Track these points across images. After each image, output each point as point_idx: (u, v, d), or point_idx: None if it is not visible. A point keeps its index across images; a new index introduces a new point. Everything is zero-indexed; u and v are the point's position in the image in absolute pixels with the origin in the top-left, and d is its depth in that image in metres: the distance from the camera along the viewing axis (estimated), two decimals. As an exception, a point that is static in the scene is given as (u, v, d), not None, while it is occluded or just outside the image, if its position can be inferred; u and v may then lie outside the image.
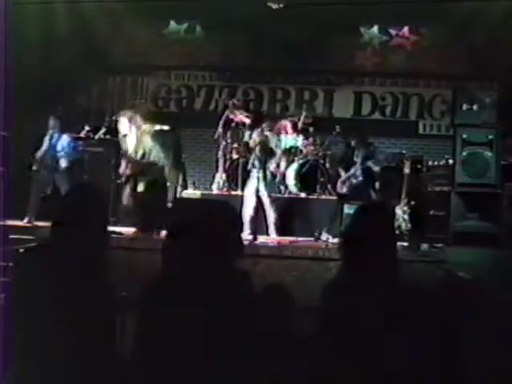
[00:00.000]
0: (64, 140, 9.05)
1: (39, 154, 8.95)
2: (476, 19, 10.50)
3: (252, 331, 2.66)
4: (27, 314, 2.72)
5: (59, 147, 8.99)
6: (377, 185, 8.79)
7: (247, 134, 9.63)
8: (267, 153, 8.71)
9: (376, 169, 8.80)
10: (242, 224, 2.88)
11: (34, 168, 8.96)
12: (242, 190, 9.24)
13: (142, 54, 11.74)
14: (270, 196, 8.62)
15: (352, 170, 8.77)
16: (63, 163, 8.97)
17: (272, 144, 8.90)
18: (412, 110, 11.71)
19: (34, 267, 2.85)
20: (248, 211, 8.39)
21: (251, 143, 8.91)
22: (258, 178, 8.51)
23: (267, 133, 8.82)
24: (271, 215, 8.60)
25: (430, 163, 9.36)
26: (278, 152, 9.04)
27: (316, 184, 9.50)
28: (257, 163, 8.58)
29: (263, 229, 8.64)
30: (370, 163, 8.76)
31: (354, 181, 8.70)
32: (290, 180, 9.39)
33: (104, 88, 11.89)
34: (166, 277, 2.78)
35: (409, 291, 2.68)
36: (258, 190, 8.50)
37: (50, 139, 8.99)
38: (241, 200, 8.47)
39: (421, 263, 6.84)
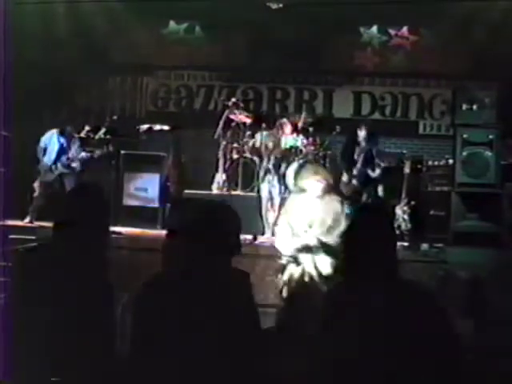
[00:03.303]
0: (72, 141, 9.05)
1: (45, 155, 8.94)
2: (476, 19, 10.51)
3: (252, 331, 2.67)
4: (28, 314, 2.72)
5: (65, 148, 8.99)
6: (379, 187, 8.80)
7: (247, 133, 9.64)
8: (282, 156, 8.98)
9: (378, 171, 8.79)
10: (241, 224, 2.88)
11: (40, 169, 8.97)
12: (243, 189, 9.30)
13: (141, 54, 11.76)
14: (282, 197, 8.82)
15: (354, 171, 8.80)
16: (70, 165, 8.97)
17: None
18: (412, 110, 11.72)
19: (35, 267, 2.85)
20: (263, 212, 8.63)
21: (259, 144, 9.06)
22: (269, 181, 8.70)
23: (279, 135, 9.02)
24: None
25: (430, 163, 9.37)
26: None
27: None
28: (271, 167, 8.83)
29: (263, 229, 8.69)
30: (372, 163, 8.76)
31: (356, 182, 8.71)
32: (290, 180, 9.38)
33: (104, 88, 11.88)
34: (166, 276, 2.78)
35: (409, 291, 2.68)
36: (270, 192, 8.66)
37: (55, 140, 8.99)
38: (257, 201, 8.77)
39: (421, 263, 6.85)
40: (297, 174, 6.40)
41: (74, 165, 8.96)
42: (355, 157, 8.91)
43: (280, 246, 5.87)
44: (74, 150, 8.99)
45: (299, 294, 2.68)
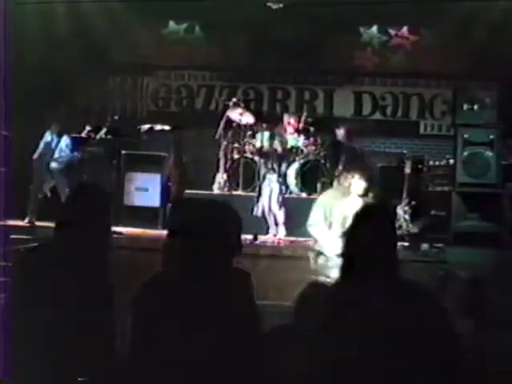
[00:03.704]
0: (63, 141, 9.05)
1: (39, 154, 8.95)
2: (476, 19, 10.51)
3: (253, 332, 2.66)
4: (28, 314, 2.72)
5: (59, 148, 8.99)
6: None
7: (248, 133, 9.65)
8: (283, 155, 9.06)
9: None
10: (242, 224, 2.88)
11: (35, 168, 8.97)
12: (244, 189, 9.32)
13: (141, 54, 11.76)
14: (283, 197, 8.90)
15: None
16: (62, 164, 8.97)
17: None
18: (413, 110, 11.72)
19: (36, 267, 2.85)
20: (265, 212, 8.64)
21: (260, 144, 9.10)
22: (271, 180, 8.79)
23: (278, 134, 9.06)
24: (282, 215, 8.74)
25: (431, 163, 9.37)
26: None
27: (317, 184, 9.49)
28: (276, 166, 8.88)
29: (263, 229, 8.70)
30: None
31: None
32: (291, 180, 9.39)
33: (104, 88, 11.89)
34: (167, 277, 2.78)
35: (409, 291, 2.68)
36: (272, 191, 8.68)
37: (50, 139, 8.99)
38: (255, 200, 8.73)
39: (421, 263, 6.85)
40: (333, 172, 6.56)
41: (56, 165, 8.96)
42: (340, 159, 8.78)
43: (325, 244, 6.00)
44: (63, 149, 9.00)
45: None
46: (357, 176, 6.15)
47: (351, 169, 6.38)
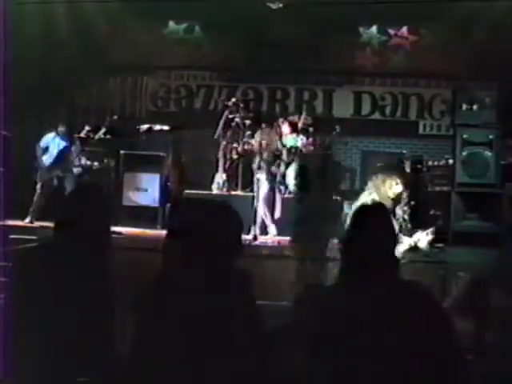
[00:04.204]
0: (77, 148, 9.06)
1: (45, 155, 8.94)
2: (476, 19, 10.52)
3: (252, 332, 2.67)
4: (28, 315, 2.73)
5: (66, 153, 9.00)
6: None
7: (247, 133, 9.65)
8: (275, 154, 9.04)
9: None
10: (242, 224, 2.88)
11: (38, 168, 8.98)
12: (243, 189, 9.32)
13: (141, 54, 11.76)
14: (279, 196, 8.92)
15: None
16: (70, 166, 8.99)
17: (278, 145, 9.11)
18: (412, 110, 11.73)
19: (36, 267, 2.85)
20: (259, 211, 8.60)
21: (255, 145, 9.08)
22: (261, 179, 8.72)
23: (272, 134, 9.02)
24: (277, 214, 8.73)
25: (430, 163, 9.37)
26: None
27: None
28: (263, 165, 8.82)
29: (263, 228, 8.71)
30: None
31: None
32: (290, 180, 9.39)
33: (104, 88, 11.89)
34: (166, 277, 2.78)
35: (409, 291, 2.68)
36: (264, 191, 8.67)
37: (63, 147, 9.00)
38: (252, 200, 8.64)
39: (421, 263, 6.84)
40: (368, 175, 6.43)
41: (74, 170, 8.98)
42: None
43: None
44: (75, 155, 9.01)
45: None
46: (389, 181, 5.97)
47: (384, 174, 6.20)
